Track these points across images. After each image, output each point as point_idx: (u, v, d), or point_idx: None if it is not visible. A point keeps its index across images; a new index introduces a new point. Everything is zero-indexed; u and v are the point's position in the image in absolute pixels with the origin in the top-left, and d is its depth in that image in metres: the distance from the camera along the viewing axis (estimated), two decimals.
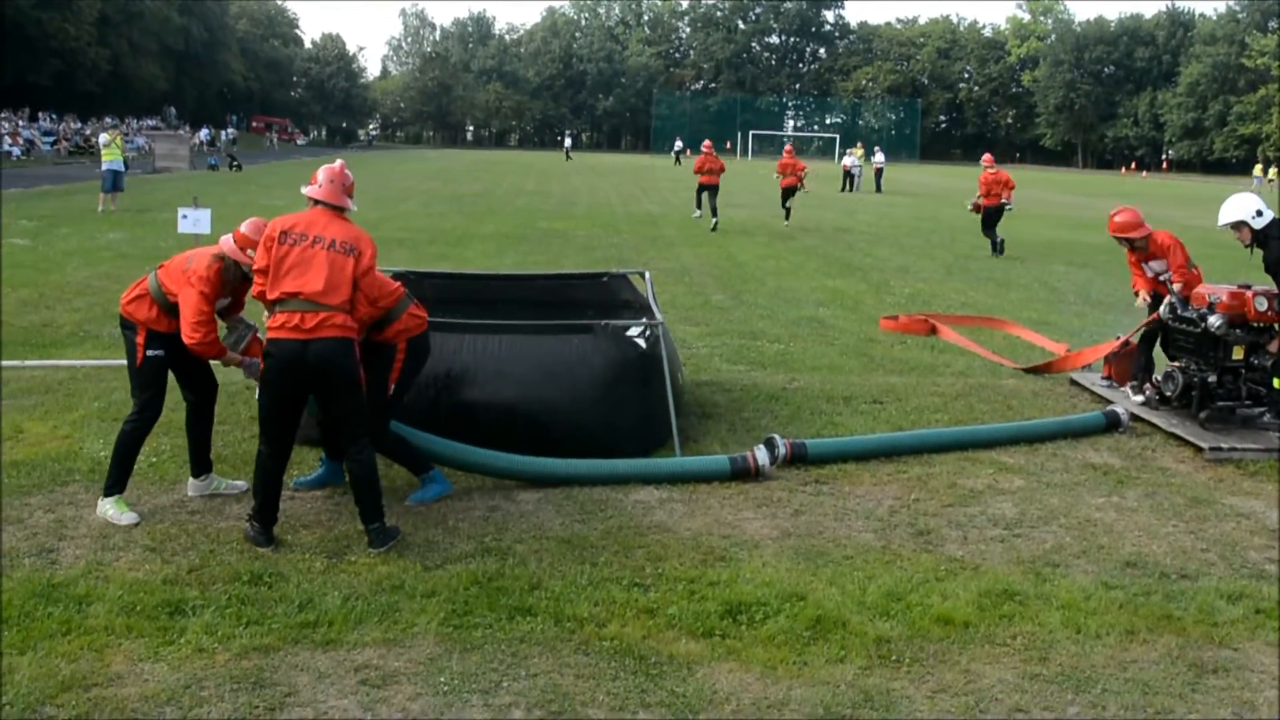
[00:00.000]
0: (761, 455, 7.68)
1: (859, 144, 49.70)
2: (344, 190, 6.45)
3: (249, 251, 6.47)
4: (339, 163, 6.61)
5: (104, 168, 27.96)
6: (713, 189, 27.90)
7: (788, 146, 31.90)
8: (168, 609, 5.36)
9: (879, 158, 54.28)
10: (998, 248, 23.03)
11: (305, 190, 6.45)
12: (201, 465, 7.10)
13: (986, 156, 24.90)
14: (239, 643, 5.05)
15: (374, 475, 6.33)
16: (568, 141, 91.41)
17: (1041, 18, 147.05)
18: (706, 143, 29.67)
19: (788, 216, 29.53)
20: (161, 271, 6.72)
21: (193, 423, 7.12)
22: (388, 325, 6.86)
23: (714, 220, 27.03)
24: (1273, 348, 9.02)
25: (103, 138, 29.43)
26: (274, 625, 5.23)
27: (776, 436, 7.97)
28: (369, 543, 6.23)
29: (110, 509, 6.60)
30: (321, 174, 6.45)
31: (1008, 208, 23.83)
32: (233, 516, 6.68)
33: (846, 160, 54.36)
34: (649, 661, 5.00)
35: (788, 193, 29.82)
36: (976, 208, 23.87)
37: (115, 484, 6.68)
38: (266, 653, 4.99)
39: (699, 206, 29.24)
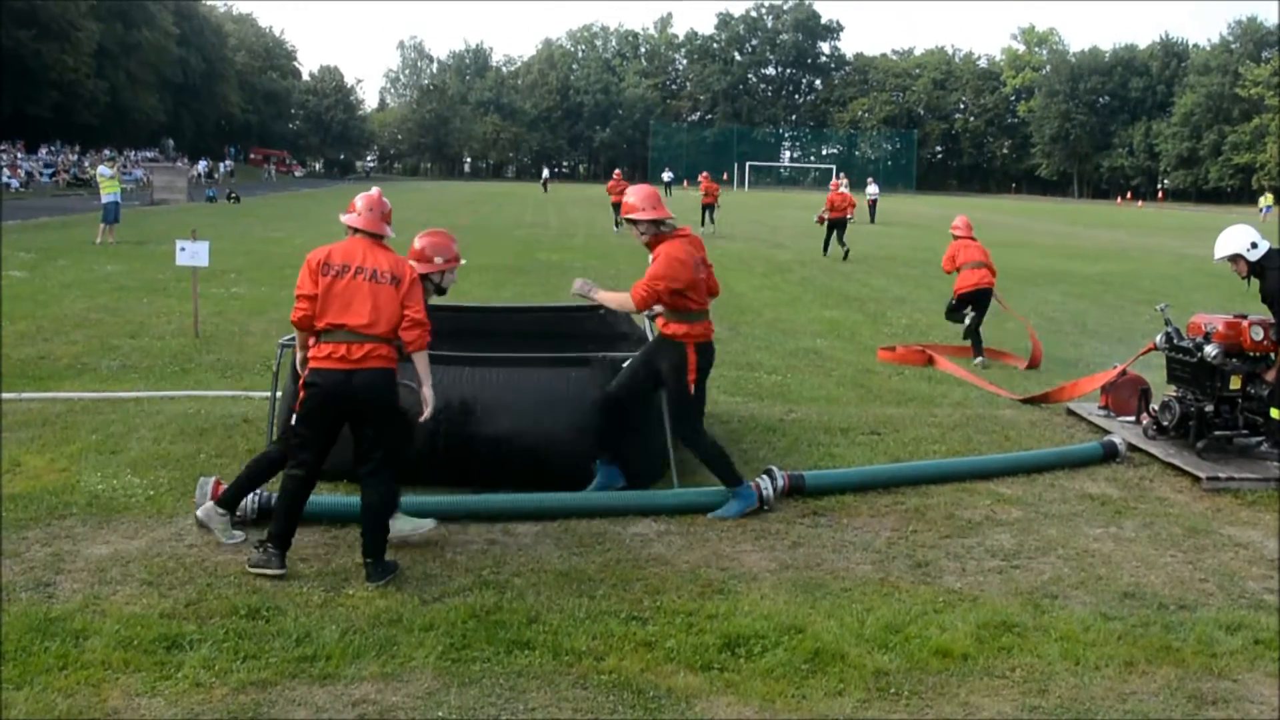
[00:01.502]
0: (766, 485, 7.70)
1: (840, 175, 49.75)
2: (382, 217, 6.53)
3: (436, 260, 6.83)
4: (376, 190, 6.69)
5: (105, 199, 28.07)
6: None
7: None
8: (165, 643, 5.34)
9: (872, 189, 54.07)
10: (845, 255, 28.31)
11: (344, 219, 6.51)
12: (234, 502, 6.98)
13: (834, 182, 30.20)
14: (236, 677, 5.03)
15: (384, 511, 6.38)
16: (545, 173, 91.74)
17: (1036, 48, 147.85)
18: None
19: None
20: None
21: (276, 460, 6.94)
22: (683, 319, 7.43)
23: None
24: (1269, 377, 9.04)
25: (105, 170, 29.50)
26: (271, 659, 5.21)
27: (774, 469, 7.98)
28: (366, 576, 6.23)
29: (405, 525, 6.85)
30: (360, 202, 6.54)
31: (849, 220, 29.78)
32: (229, 550, 6.66)
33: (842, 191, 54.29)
34: (647, 695, 4.99)
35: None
36: (821, 219, 29.75)
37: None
38: (264, 687, 4.97)
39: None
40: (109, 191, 28.20)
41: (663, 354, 7.51)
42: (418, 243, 7.00)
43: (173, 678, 5.01)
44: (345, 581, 6.23)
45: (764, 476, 7.81)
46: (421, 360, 6.40)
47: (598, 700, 4.95)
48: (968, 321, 14.09)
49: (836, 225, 29.32)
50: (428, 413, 6.50)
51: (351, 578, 6.28)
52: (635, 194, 7.58)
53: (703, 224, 38.85)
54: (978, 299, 13.97)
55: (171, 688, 4.93)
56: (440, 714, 4.80)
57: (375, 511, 6.33)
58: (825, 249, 29.50)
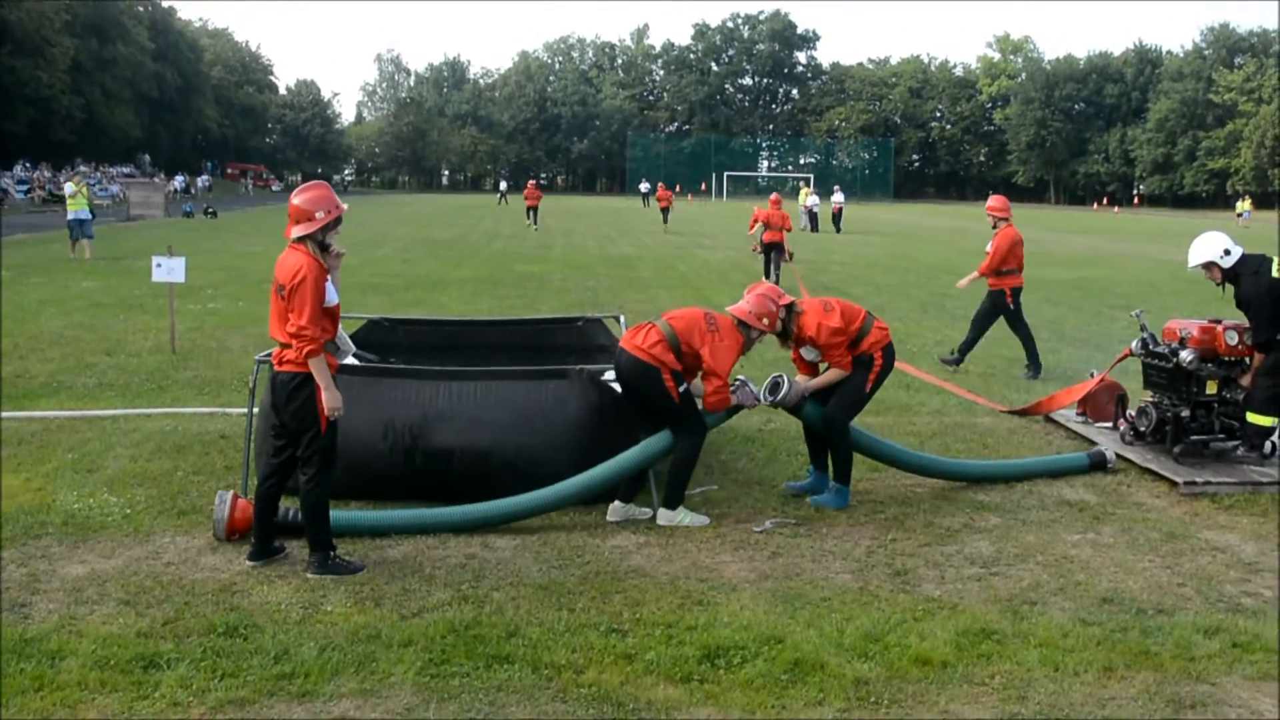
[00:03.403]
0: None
1: (805, 184, 50.06)
2: (292, 220, 6.57)
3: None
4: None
5: (70, 217, 28.06)
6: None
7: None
8: (142, 663, 5.31)
9: (838, 197, 54.03)
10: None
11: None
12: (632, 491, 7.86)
13: (774, 196, 26.30)
14: (214, 696, 5.00)
15: (312, 509, 6.58)
16: (503, 185, 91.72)
17: (1012, 56, 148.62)
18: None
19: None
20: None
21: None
22: (862, 340, 8.06)
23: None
24: (1245, 381, 9.09)
25: (68, 188, 29.50)
26: (249, 678, 5.19)
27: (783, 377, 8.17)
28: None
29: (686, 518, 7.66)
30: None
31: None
32: (207, 568, 6.64)
33: (809, 200, 54.34)
34: (627, 708, 4.98)
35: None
36: (756, 250, 25.80)
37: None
38: (242, 705, 4.95)
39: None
40: (76, 208, 28.18)
41: None
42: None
43: (150, 697, 4.98)
44: (323, 598, 6.20)
45: None
46: (314, 367, 6.41)
47: (577, 713, 4.94)
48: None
49: (772, 249, 24.24)
50: (329, 415, 6.49)
51: (329, 594, 6.25)
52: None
53: (663, 221, 49.14)
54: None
55: (148, 708, 4.90)
56: None
57: (305, 509, 6.59)
58: (770, 275, 23.99)
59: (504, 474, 7.68)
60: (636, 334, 7.71)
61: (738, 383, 7.93)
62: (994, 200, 14.43)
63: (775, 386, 8.02)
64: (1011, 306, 13.89)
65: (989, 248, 13.94)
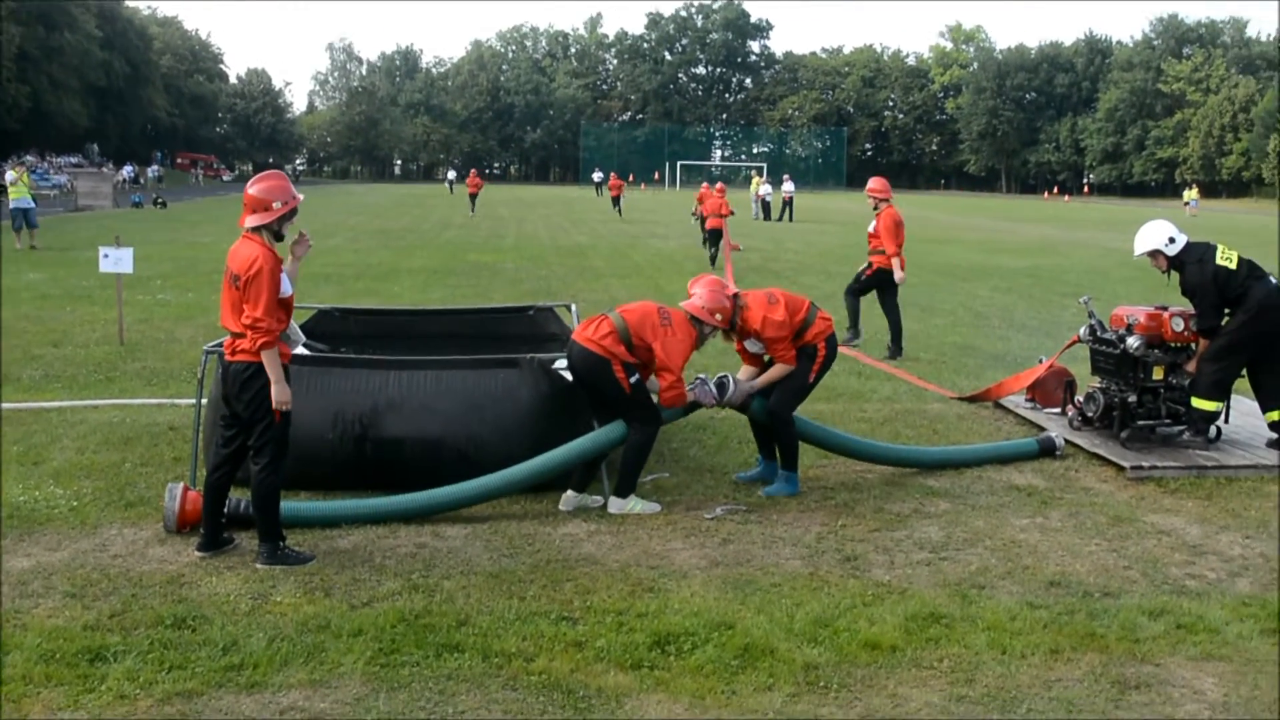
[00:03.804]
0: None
1: (757, 173, 50.47)
2: (246, 208, 6.53)
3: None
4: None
5: (11, 206, 27.84)
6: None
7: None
8: (88, 656, 5.26)
9: (788, 186, 54.08)
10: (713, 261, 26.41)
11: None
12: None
13: (719, 185, 30.09)
14: (162, 688, 4.96)
15: (262, 499, 6.53)
16: (451, 174, 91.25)
17: (964, 46, 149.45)
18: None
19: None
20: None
21: None
22: (806, 331, 8.08)
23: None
24: (1190, 367, 9.21)
25: (9, 175, 29.23)
26: (197, 669, 5.15)
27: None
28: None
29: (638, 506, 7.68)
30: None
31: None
32: (155, 560, 6.58)
33: (762, 189, 54.43)
34: (577, 695, 4.98)
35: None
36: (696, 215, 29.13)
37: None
38: (190, 698, 4.91)
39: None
40: (17, 196, 27.94)
41: None
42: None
43: (96, 690, 4.94)
44: (273, 589, 6.17)
45: None
46: (267, 359, 6.39)
47: (528, 701, 4.93)
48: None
49: (712, 236, 26.61)
50: (277, 409, 6.46)
51: (279, 584, 6.22)
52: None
53: (617, 212, 50.70)
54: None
55: (95, 701, 4.86)
56: (369, 719, 4.76)
57: (256, 498, 6.54)
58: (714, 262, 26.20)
59: (455, 463, 7.65)
60: (588, 326, 7.71)
61: (697, 381, 7.97)
62: (874, 182, 14.63)
63: (721, 387, 8.03)
64: (869, 279, 14.24)
65: (871, 229, 14.23)
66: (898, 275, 13.84)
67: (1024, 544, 7.14)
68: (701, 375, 8.11)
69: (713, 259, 26.37)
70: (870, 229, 14.20)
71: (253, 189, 6.53)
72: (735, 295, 8.03)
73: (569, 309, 10.23)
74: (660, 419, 7.79)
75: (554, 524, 7.37)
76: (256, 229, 6.46)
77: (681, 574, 6.51)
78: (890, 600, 6.14)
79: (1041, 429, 9.85)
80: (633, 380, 7.56)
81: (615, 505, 7.66)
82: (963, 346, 14.75)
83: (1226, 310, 9.10)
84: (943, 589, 6.34)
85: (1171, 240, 9.25)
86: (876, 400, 11.42)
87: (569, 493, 7.74)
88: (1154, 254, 9.37)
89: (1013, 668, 5.32)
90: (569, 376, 7.95)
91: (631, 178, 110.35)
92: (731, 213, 27.31)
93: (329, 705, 4.87)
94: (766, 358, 8.22)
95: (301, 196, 6.67)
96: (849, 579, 6.48)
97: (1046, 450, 9.24)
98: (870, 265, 14.18)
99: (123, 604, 5.91)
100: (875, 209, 14.18)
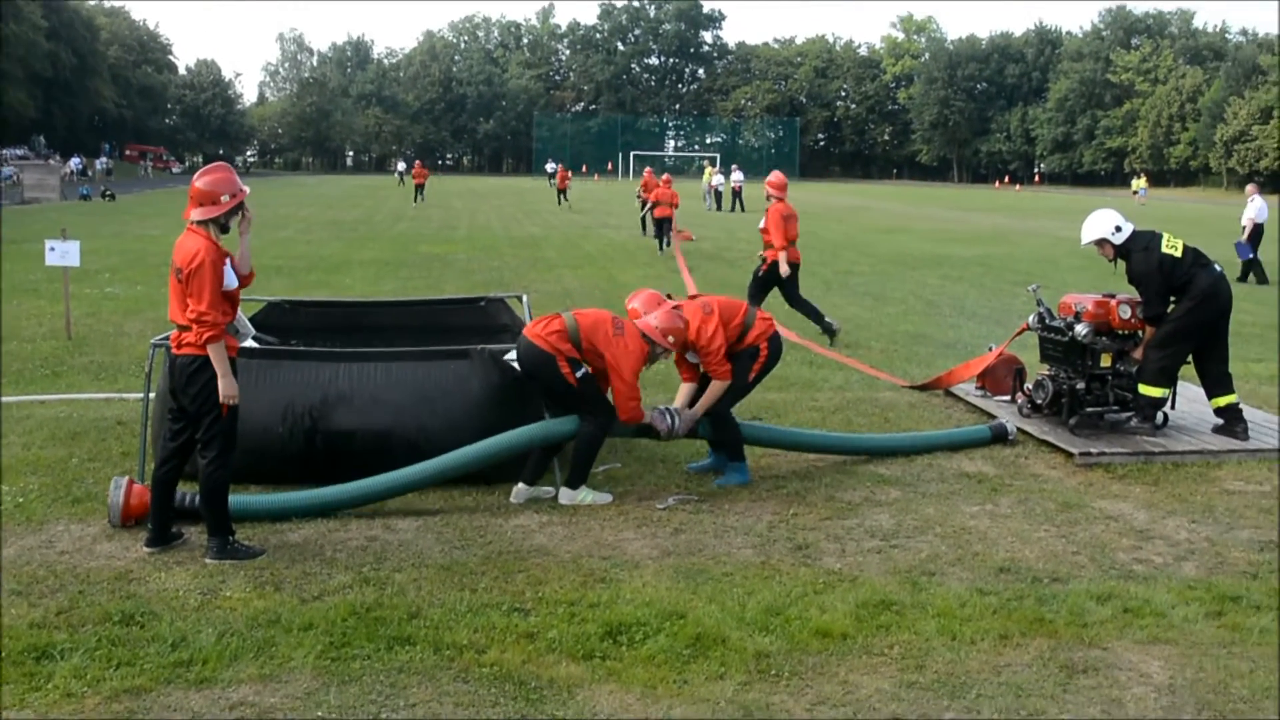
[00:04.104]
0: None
1: (709, 164, 50.76)
2: (191, 201, 6.48)
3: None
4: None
5: None
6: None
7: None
8: (34, 653, 5.19)
9: (737, 175, 54.09)
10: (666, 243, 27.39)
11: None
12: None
13: (665, 176, 30.39)
14: (109, 685, 4.91)
15: (210, 492, 6.46)
16: (401, 165, 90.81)
17: (915, 36, 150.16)
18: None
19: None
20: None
21: None
22: (746, 334, 8.15)
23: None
24: (1137, 354, 9.30)
25: None
26: (146, 666, 5.10)
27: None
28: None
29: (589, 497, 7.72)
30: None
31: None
32: (102, 556, 6.52)
33: (715, 179, 54.45)
34: (529, 686, 4.97)
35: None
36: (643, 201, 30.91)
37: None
38: (138, 694, 4.86)
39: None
40: None
41: None
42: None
43: (42, 689, 4.88)
44: (222, 584, 6.12)
45: None
46: (213, 353, 6.33)
47: (479, 693, 4.92)
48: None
49: (663, 223, 27.95)
50: (224, 403, 6.40)
51: (228, 579, 6.17)
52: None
53: (559, 204, 50.28)
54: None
55: (41, 699, 4.80)
56: (320, 714, 4.73)
57: (204, 492, 6.48)
58: (662, 249, 27.56)
59: (406, 455, 7.60)
60: (539, 323, 7.70)
61: (660, 409, 7.97)
62: (773, 176, 14.77)
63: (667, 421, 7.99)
64: (764, 276, 14.30)
65: (761, 225, 14.35)
66: (783, 269, 13.92)
67: (974, 531, 7.19)
68: (664, 406, 8.10)
69: (660, 247, 27.03)
70: (760, 225, 14.33)
71: (199, 182, 6.46)
72: (675, 308, 8.01)
73: (520, 300, 10.21)
74: (612, 414, 7.77)
75: (506, 516, 7.35)
76: (202, 222, 6.41)
77: (633, 564, 6.51)
78: (841, 588, 6.16)
79: (992, 417, 9.91)
80: (579, 374, 7.55)
81: (566, 496, 7.65)
82: (914, 335, 14.83)
83: (1172, 298, 9.20)
84: (893, 576, 6.37)
85: (1118, 229, 9.35)
86: (828, 389, 11.46)
87: (520, 485, 7.72)
88: (1101, 243, 9.47)
89: (962, 654, 5.36)
90: (519, 369, 7.93)
91: (585, 168, 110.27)
92: (677, 204, 28.37)
93: (279, 700, 4.84)
94: (703, 371, 8.22)
95: (247, 189, 6.61)
96: (800, 567, 6.50)
97: (999, 437, 9.31)
98: (765, 261, 14.25)
99: (70, 601, 5.85)
100: (768, 200, 14.28)
